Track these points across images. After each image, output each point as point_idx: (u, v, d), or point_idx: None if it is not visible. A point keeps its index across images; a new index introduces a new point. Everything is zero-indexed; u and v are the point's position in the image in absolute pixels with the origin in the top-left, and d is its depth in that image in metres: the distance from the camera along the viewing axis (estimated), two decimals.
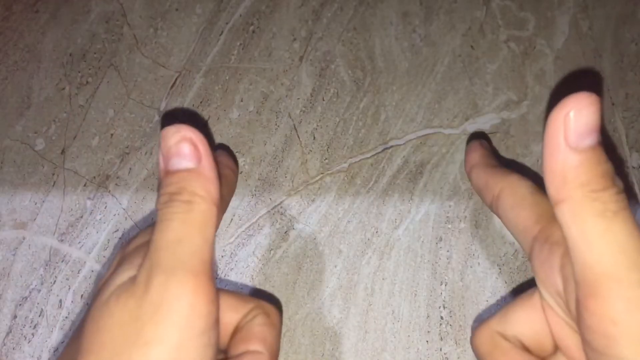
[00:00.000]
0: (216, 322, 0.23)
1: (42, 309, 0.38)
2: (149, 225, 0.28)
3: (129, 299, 0.22)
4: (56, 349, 0.36)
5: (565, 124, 0.21)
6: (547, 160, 0.21)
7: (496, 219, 0.39)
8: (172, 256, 0.22)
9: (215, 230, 0.24)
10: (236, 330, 0.28)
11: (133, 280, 0.23)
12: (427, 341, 0.38)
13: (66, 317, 0.37)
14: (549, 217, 0.26)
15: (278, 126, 0.43)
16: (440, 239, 0.40)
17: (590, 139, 0.21)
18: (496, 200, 0.29)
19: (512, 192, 0.28)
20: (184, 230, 0.23)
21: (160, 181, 0.24)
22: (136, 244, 0.27)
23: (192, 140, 0.23)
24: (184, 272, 0.22)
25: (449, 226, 0.40)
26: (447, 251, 0.39)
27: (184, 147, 0.23)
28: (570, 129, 0.20)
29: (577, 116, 0.20)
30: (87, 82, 0.44)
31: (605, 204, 0.20)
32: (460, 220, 0.40)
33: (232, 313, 0.28)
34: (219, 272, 0.40)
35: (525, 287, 0.38)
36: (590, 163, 0.21)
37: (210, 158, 0.24)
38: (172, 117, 0.43)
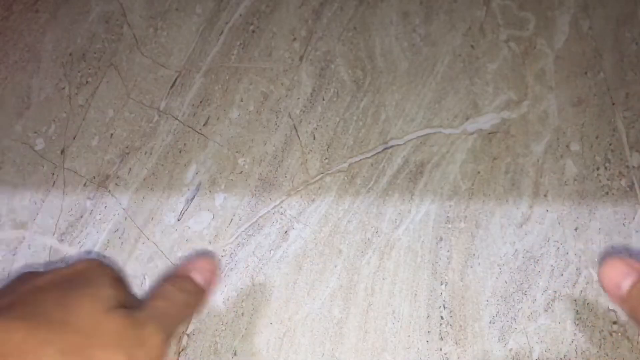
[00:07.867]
0: None
1: None
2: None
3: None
4: None
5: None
6: None
7: (497, 219, 0.39)
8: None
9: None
10: None
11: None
12: (427, 341, 0.38)
13: None
14: None
15: (278, 126, 0.43)
16: (440, 239, 0.40)
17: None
18: None
19: None
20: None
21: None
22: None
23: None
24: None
25: (449, 226, 0.40)
26: (447, 251, 0.39)
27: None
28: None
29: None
30: (87, 82, 0.44)
31: None
32: (460, 220, 0.40)
33: None
34: (220, 271, 0.40)
35: (525, 287, 0.38)
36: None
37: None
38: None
